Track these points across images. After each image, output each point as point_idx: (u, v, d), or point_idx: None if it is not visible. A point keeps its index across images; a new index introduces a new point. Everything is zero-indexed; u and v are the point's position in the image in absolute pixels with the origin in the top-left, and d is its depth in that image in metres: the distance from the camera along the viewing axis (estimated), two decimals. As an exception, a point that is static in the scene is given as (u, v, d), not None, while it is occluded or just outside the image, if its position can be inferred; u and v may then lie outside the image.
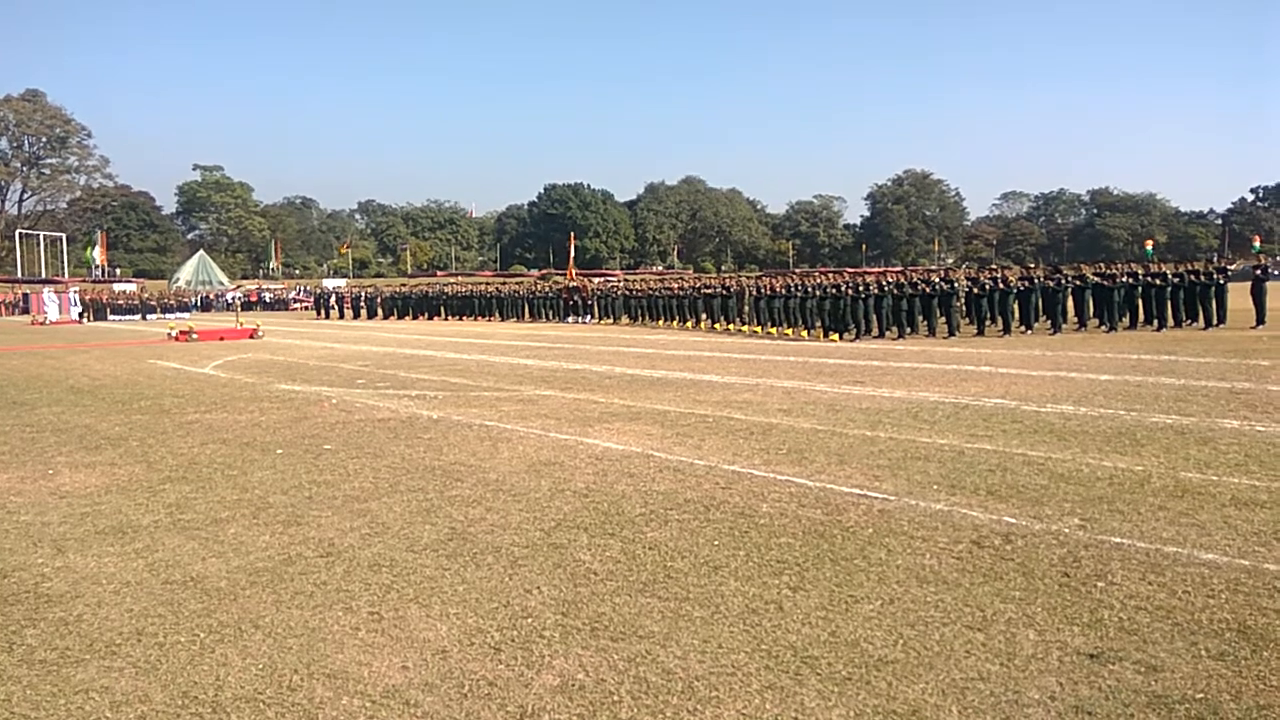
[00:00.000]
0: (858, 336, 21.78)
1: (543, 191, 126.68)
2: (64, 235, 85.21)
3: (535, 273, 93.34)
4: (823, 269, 70.62)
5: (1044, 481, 6.63)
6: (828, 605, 4.37)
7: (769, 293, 25.52)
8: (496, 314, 39.42)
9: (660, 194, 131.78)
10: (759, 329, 25.35)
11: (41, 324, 46.59)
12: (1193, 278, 21.38)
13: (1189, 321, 21.31)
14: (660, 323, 30.85)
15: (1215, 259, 23.67)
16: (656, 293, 32.66)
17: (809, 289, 24.08)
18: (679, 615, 4.30)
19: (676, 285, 32.73)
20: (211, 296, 66.13)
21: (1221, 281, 21.23)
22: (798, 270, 66.17)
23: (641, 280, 41.63)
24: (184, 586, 4.92)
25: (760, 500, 6.35)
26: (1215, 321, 20.71)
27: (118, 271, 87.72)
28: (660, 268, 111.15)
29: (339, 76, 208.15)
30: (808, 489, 6.64)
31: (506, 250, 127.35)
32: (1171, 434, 8.29)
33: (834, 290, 23.00)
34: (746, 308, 26.91)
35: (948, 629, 4.05)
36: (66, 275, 77.26)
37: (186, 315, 51.42)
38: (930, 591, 4.51)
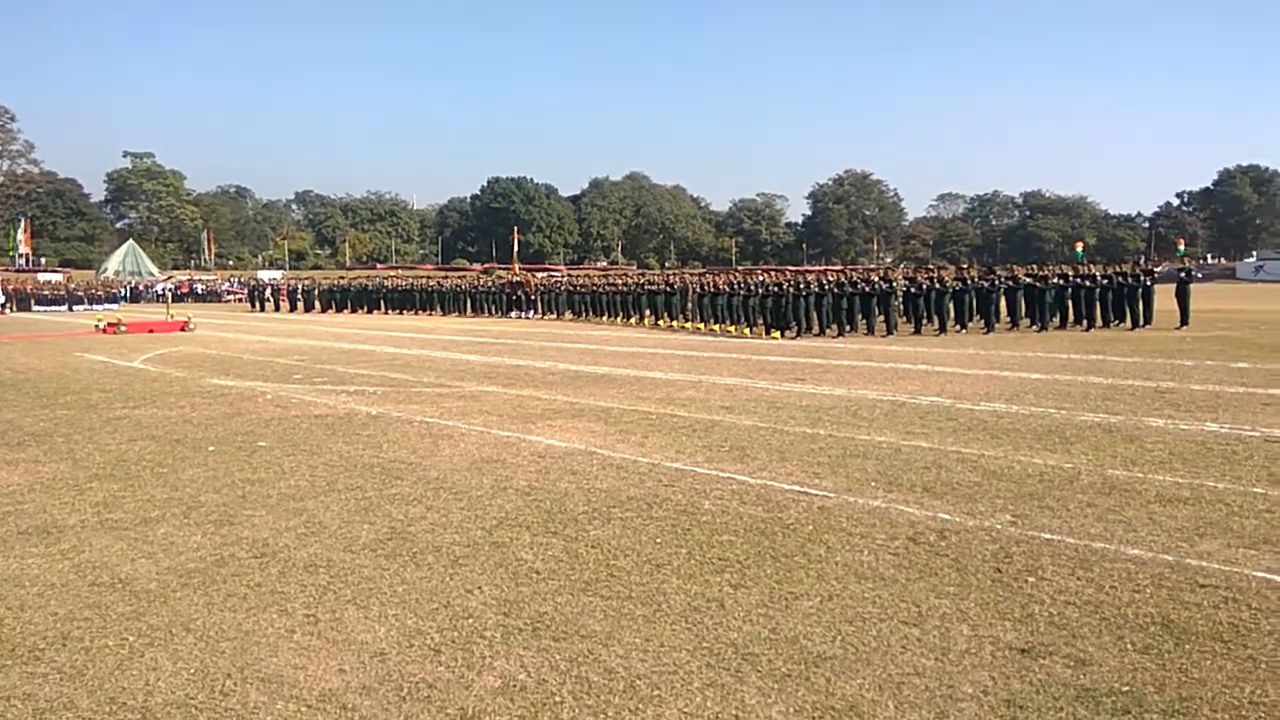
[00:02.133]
0: (798, 334, 22.02)
1: (485, 185, 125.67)
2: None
3: (478, 267, 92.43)
4: (765, 266, 71.21)
5: (977, 478, 6.78)
6: (768, 602, 4.41)
7: (712, 290, 25.66)
8: (438, 308, 38.97)
9: (604, 189, 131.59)
10: (702, 326, 25.48)
11: (-40, 314, 44.80)
12: (1121, 279, 22.04)
13: (1117, 322, 21.96)
14: (604, 319, 30.81)
15: (1142, 261, 24.41)
16: (600, 289, 32.60)
17: (751, 287, 24.27)
18: (621, 614, 4.30)
19: (620, 281, 32.72)
20: (141, 287, 64.27)
21: (1148, 283, 21.92)
22: (740, 268, 66.64)
23: (585, 276, 41.54)
24: (112, 588, 4.78)
25: (702, 498, 6.39)
26: (1142, 322, 21.39)
27: (43, 261, 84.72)
28: (604, 263, 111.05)
29: (275, 63, 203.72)
30: (749, 486, 6.69)
31: (448, 244, 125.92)
32: (1100, 432, 8.53)
33: (775, 288, 23.22)
34: (690, 305, 27.03)
35: (885, 625, 4.12)
36: (-12, 264, 74.44)
37: (115, 306, 49.85)
38: (868, 587, 4.58)
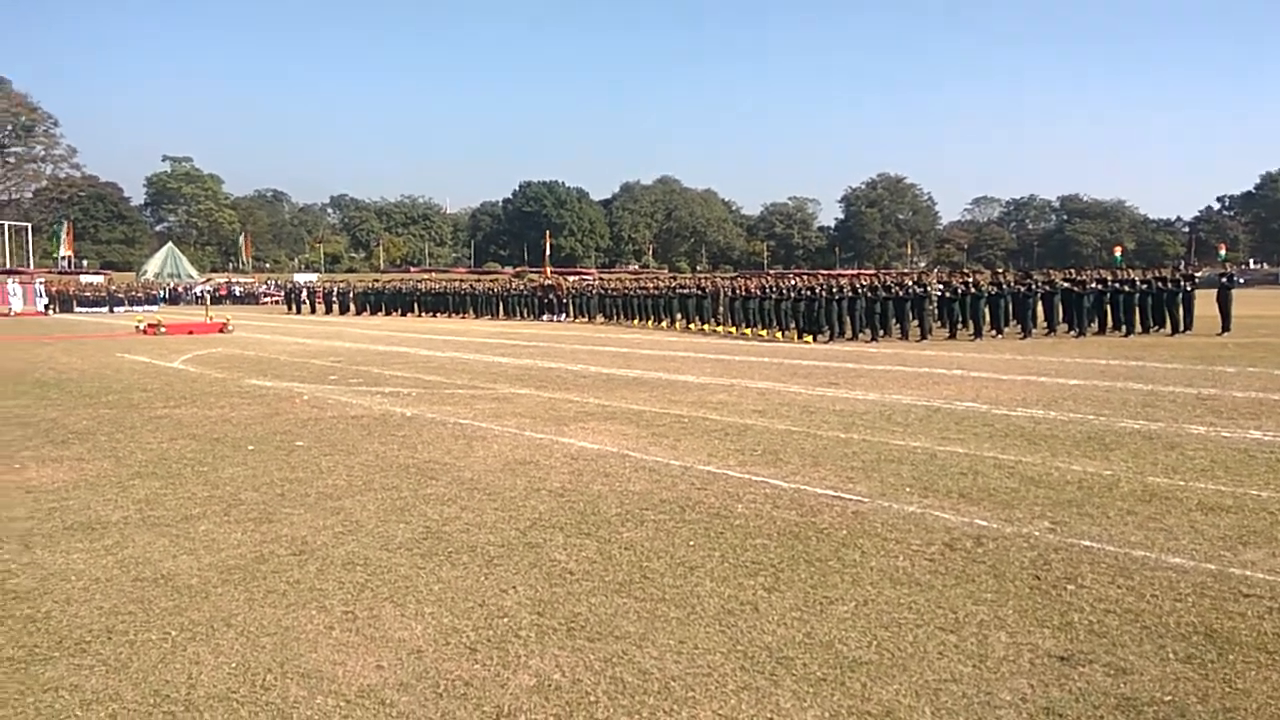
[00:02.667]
0: (831, 338, 21.91)
1: (518, 189, 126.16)
2: (29, 225, 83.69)
3: (510, 270, 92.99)
4: (797, 270, 70.94)
5: (1015, 485, 6.71)
6: (803, 606, 4.40)
7: (744, 294, 25.60)
8: (471, 311, 39.24)
9: (636, 193, 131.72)
10: (734, 330, 25.43)
11: (6, 315, 45.80)
12: (1160, 284, 21.70)
13: (1156, 328, 21.62)
14: (635, 322, 30.86)
15: (1182, 266, 24.00)
16: (632, 292, 32.68)
17: (783, 290, 24.19)
18: (655, 616, 4.31)
19: (652, 285, 32.76)
20: (180, 289, 65.30)
21: (1188, 288, 21.57)
22: (772, 271, 66.41)
23: (617, 279, 41.62)
24: (155, 584, 4.87)
25: (736, 501, 6.38)
26: (1182, 328, 21.04)
27: (85, 263, 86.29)
28: (635, 267, 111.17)
29: (312, 69, 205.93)
30: (783, 490, 6.67)
31: (481, 247, 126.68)
32: (1139, 439, 8.41)
33: (808, 292, 23.11)
34: (721, 308, 26.98)
35: (921, 630, 4.09)
36: (32, 266, 75.93)
37: (155, 308, 50.73)
38: (904, 593, 4.55)
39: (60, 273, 71.64)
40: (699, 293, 28.43)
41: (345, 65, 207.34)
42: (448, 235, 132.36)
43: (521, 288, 40.24)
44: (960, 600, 4.44)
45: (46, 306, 51.24)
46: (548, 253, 51.34)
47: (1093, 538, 5.39)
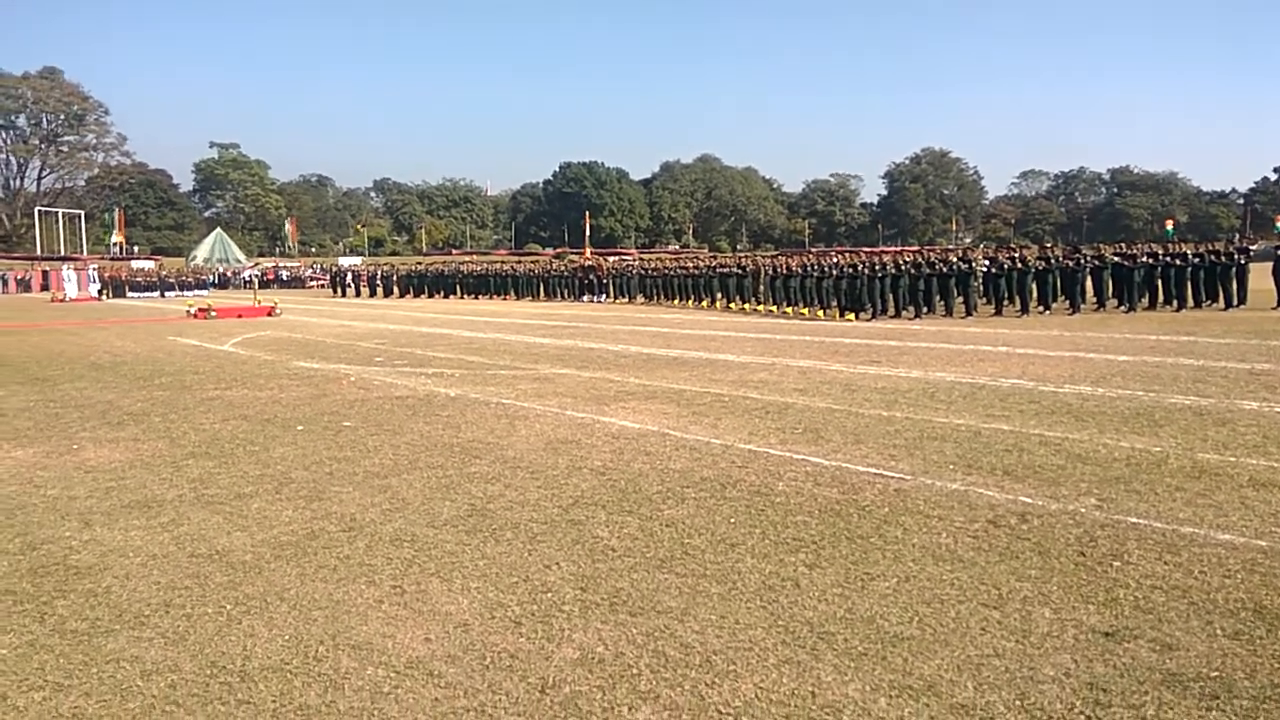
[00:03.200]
0: (874, 316, 21.72)
1: (558, 170, 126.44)
2: (82, 213, 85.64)
3: (550, 251, 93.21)
4: (839, 248, 70.18)
5: (1060, 462, 6.64)
6: (844, 582, 4.41)
7: (785, 272, 25.45)
8: (512, 293, 39.47)
9: (675, 172, 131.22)
10: (775, 308, 25.31)
11: (61, 301, 46.98)
12: (1213, 258, 21.19)
13: (1209, 302, 21.14)
14: (675, 302, 30.83)
15: (1236, 239, 23.35)
16: (672, 272, 32.62)
17: (825, 268, 23.98)
18: (696, 591, 4.35)
19: (692, 264, 32.67)
20: (229, 274, 66.46)
21: (1242, 261, 21.01)
22: (814, 249, 65.89)
23: (657, 259, 41.55)
24: (210, 560, 5.01)
25: (776, 479, 6.39)
26: (1236, 302, 20.53)
27: (136, 249, 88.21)
28: (675, 247, 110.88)
29: (355, 55, 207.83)
30: (824, 468, 6.67)
31: (521, 229, 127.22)
32: (1190, 415, 8.26)
33: (850, 270, 22.90)
34: (762, 287, 26.85)
35: (963, 606, 4.08)
36: (85, 253, 77.75)
37: (205, 293, 51.72)
38: (946, 570, 4.54)
39: (113, 259, 73.31)
40: (739, 272, 28.30)
41: (389, 51, 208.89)
42: (489, 217, 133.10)
43: (562, 269, 40.34)
44: (1004, 577, 4.42)
45: (100, 292, 52.47)
46: (588, 233, 51.45)
47: (1140, 514, 5.33)
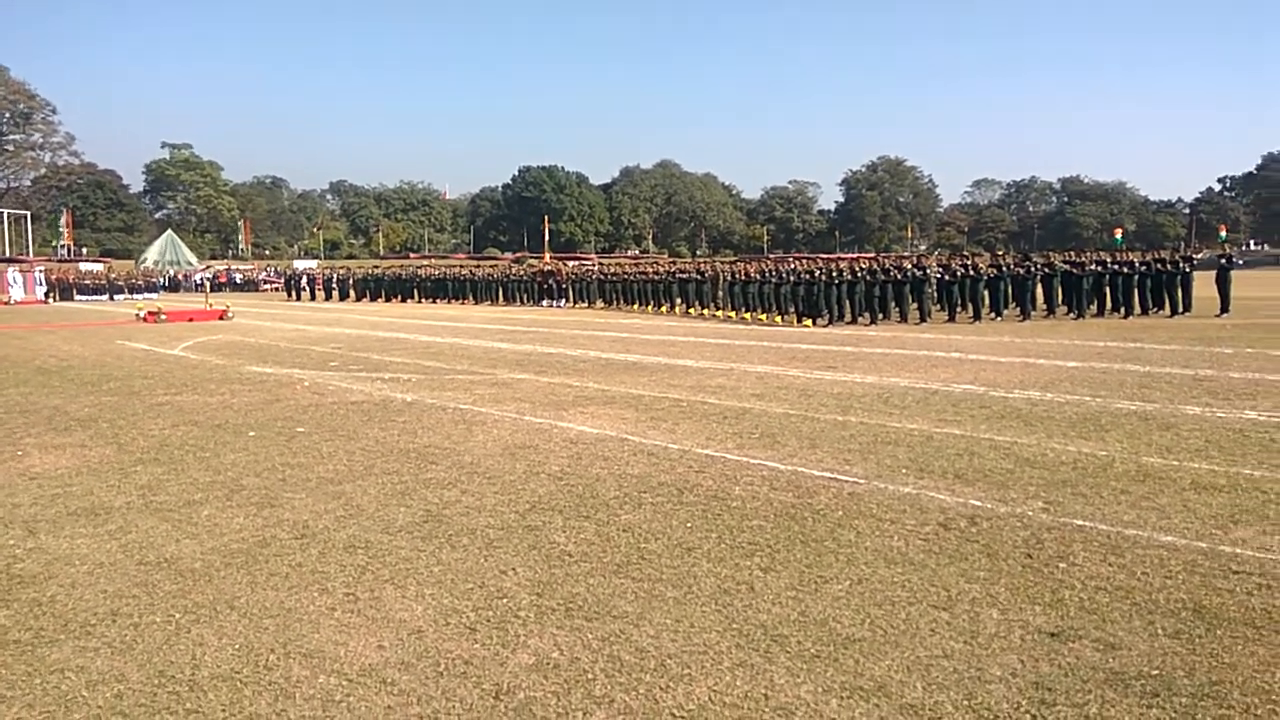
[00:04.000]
0: (831, 322, 21.94)
1: (517, 174, 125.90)
2: (28, 213, 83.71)
3: (510, 256, 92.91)
4: (797, 254, 70.82)
5: (1010, 466, 6.77)
6: (798, 585, 4.46)
7: (743, 278, 25.62)
8: (470, 297, 39.27)
9: (635, 178, 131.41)
10: (733, 314, 25.47)
11: (6, 304, 45.83)
12: (1159, 266, 21.72)
13: (1156, 309, 21.67)
14: (635, 307, 30.88)
15: (1182, 248, 23.99)
16: (631, 277, 32.69)
17: (783, 274, 24.20)
18: (652, 596, 4.37)
19: (651, 270, 32.76)
20: (180, 277, 65.25)
21: (1188, 270, 21.59)
22: (772, 256, 66.34)
23: (616, 264, 41.61)
24: (158, 568, 4.93)
25: (733, 483, 6.43)
26: (1181, 309, 21.08)
27: (84, 251, 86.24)
28: (635, 252, 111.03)
29: (310, 55, 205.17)
30: (779, 472, 6.73)
31: (480, 233, 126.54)
32: (1135, 420, 8.46)
33: (808, 276, 23.13)
34: (721, 293, 27.01)
35: (914, 608, 4.15)
36: (31, 254, 75.93)
37: (155, 296, 50.76)
38: (897, 572, 4.61)
39: (60, 261, 71.65)
40: (698, 277, 28.44)
41: (344, 51, 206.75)
42: (447, 221, 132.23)
43: (521, 273, 40.23)
44: (953, 578, 4.50)
45: (46, 295, 51.24)
46: (547, 238, 51.32)
47: (1086, 517, 5.45)
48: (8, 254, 73.48)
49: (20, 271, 54.63)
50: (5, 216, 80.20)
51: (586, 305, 33.68)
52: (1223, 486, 6.05)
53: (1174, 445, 7.34)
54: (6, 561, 5.08)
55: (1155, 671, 3.48)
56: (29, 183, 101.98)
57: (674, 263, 39.93)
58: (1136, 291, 21.69)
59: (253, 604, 4.37)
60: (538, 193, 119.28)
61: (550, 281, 36.24)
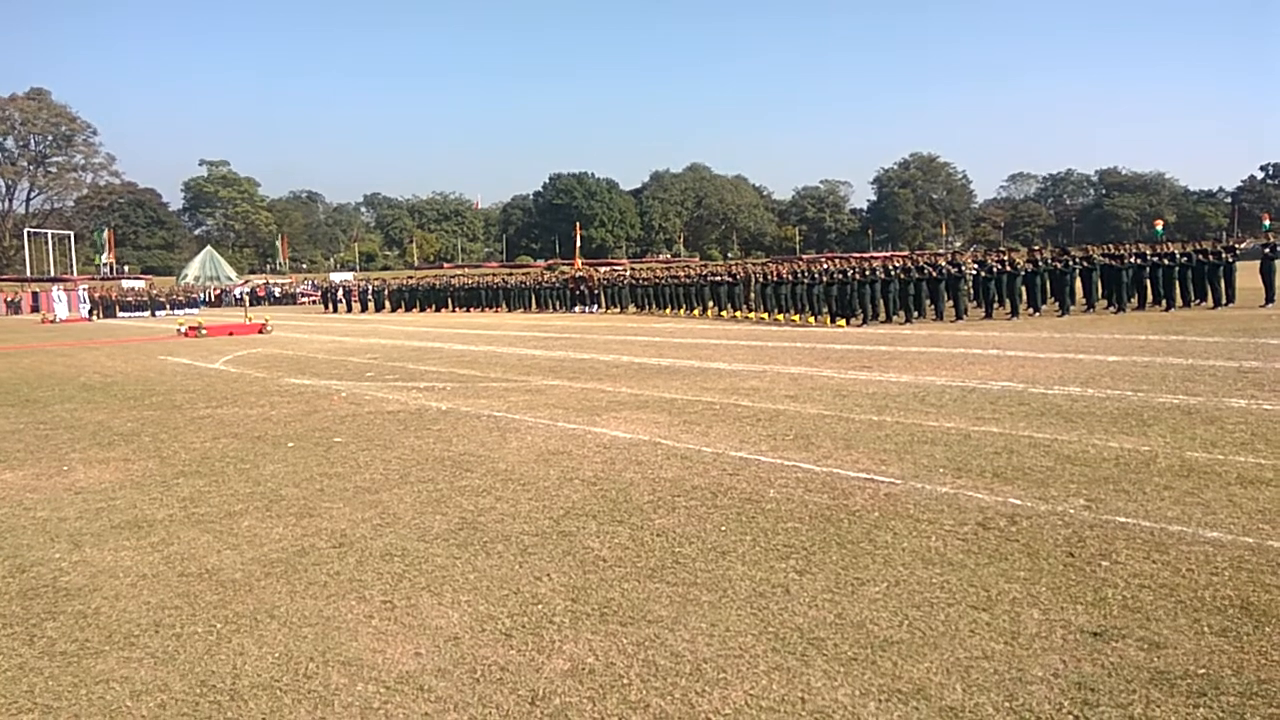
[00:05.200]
0: (864, 321, 21.77)
1: (548, 181, 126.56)
2: (72, 233, 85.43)
3: (541, 263, 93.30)
4: (829, 254, 70.45)
5: (1050, 463, 6.66)
6: (834, 588, 4.42)
7: (775, 279, 25.51)
8: (503, 305, 39.48)
9: (665, 182, 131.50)
10: (765, 315, 25.37)
11: (51, 322, 46.83)
12: (1201, 257, 21.31)
13: (1198, 301, 21.24)
14: (667, 311, 30.87)
15: (1224, 238, 23.54)
16: (663, 281, 32.69)
17: (815, 275, 24.06)
18: (687, 600, 4.36)
19: (683, 273, 32.75)
20: (219, 292, 66.24)
21: (1230, 260, 21.15)
22: (804, 256, 66.03)
23: (648, 269, 41.64)
24: (200, 578, 5.00)
25: (767, 486, 6.40)
26: (1224, 301, 20.65)
27: (126, 269, 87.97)
28: (666, 256, 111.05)
29: (343, 70, 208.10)
30: (814, 474, 6.68)
31: (512, 241, 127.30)
32: (1178, 414, 8.30)
33: (840, 275, 22.98)
34: (753, 294, 26.92)
35: (953, 609, 4.09)
36: (75, 273, 77.56)
37: (195, 311, 51.62)
38: (935, 573, 4.55)
39: (103, 279, 73.16)
40: (730, 280, 28.37)
41: (376, 66, 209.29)
42: (480, 230, 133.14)
43: (553, 280, 40.38)
44: (993, 579, 4.44)
45: (90, 312, 52.35)
46: (578, 244, 51.47)
47: (1128, 514, 5.35)
48: (52, 273, 75.16)
49: (65, 290, 55.85)
50: (49, 237, 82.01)
51: (619, 310, 33.72)
52: (1270, 480, 5.91)
53: (1219, 439, 7.19)
54: (53, 574, 5.19)
55: (1202, 670, 3.41)
56: (72, 203, 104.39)
57: (705, 265, 39.90)
58: (1178, 283, 21.27)
59: (292, 613, 4.42)
60: (568, 200, 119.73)
61: (582, 287, 36.34)
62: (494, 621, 4.20)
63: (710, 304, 28.72)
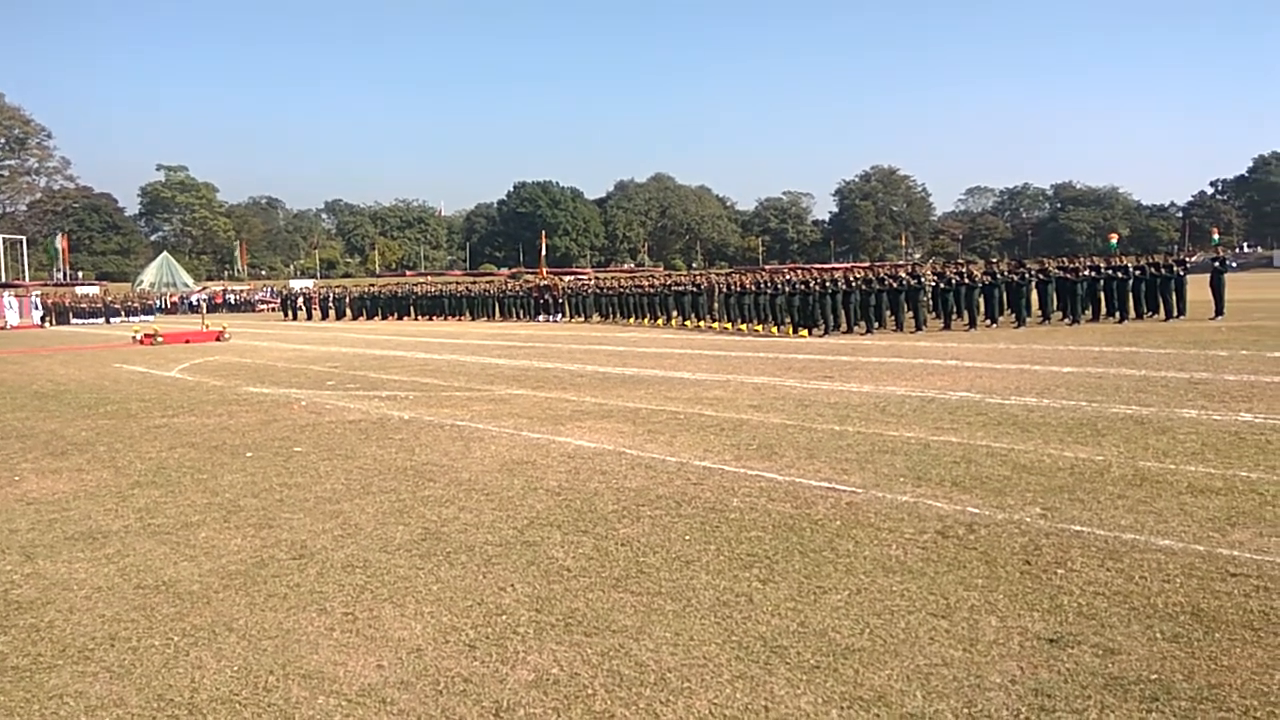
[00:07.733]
0: (826, 332, 21.98)
1: (512, 189, 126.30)
2: (24, 238, 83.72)
3: (505, 271, 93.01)
4: (791, 265, 70.92)
5: (1007, 472, 6.77)
6: (796, 596, 4.46)
7: (739, 289, 25.67)
8: (467, 313, 39.29)
9: (630, 191, 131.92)
10: (729, 325, 25.50)
11: (2, 329, 45.77)
12: (1154, 270, 21.81)
13: (1150, 313, 21.73)
14: (631, 320, 30.92)
15: (1175, 251, 24.12)
16: (627, 290, 32.76)
17: (778, 285, 24.24)
18: (651, 609, 4.37)
19: (647, 283, 32.84)
20: (176, 299, 65.18)
21: (1181, 274, 21.69)
22: (767, 267, 66.49)
23: (612, 278, 41.68)
24: (156, 591, 4.92)
25: (731, 495, 6.44)
26: (1175, 313, 21.15)
27: (80, 274, 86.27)
28: (631, 265, 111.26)
29: (304, 75, 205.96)
30: (777, 483, 6.73)
31: (476, 249, 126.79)
32: (1131, 424, 8.48)
33: (803, 286, 23.18)
34: (716, 305, 27.07)
35: (913, 617, 4.15)
36: (27, 278, 75.93)
37: (151, 318, 50.77)
38: (896, 581, 4.61)
39: (56, 285, 71.63)
40: (694, 290, 28.51)
41: (338, 71, 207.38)
42: (443, 238, 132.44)
43: (517, 289, 40.28)
44: (951, 586, 4.50)
45: (43, 319, 51.17)
46: (543, 253, 51.33)
47: (1083, 522, 5.46)
48: (4, 279, 73.45)
49: (16, 296, 54.56)
50: (1, 242, 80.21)
51: (583, 320, 33.70)
52: (1219, 489, 6.06)
53: (1170, 449, 7.36)
54: (4, 587, 5.07)
55: (1154, 676, 3.49)
56: (25, 207, 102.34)
57: (669, 275, 39.99)
58: (1131, 296, 21.77)
59: (251, 625, 4.36)
60: (533, 208, 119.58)
61: (546, 296, 36.28)
62: (457, 633, 4.18)
63: (674, 313, 28.83)
